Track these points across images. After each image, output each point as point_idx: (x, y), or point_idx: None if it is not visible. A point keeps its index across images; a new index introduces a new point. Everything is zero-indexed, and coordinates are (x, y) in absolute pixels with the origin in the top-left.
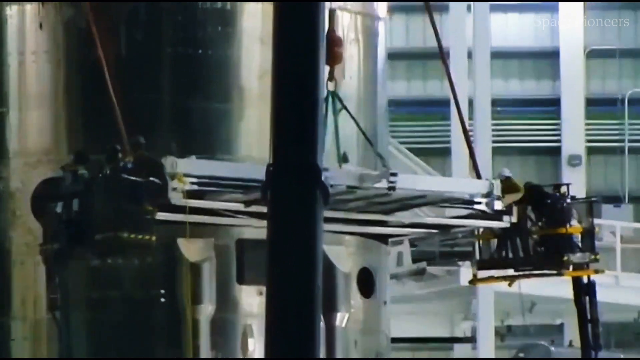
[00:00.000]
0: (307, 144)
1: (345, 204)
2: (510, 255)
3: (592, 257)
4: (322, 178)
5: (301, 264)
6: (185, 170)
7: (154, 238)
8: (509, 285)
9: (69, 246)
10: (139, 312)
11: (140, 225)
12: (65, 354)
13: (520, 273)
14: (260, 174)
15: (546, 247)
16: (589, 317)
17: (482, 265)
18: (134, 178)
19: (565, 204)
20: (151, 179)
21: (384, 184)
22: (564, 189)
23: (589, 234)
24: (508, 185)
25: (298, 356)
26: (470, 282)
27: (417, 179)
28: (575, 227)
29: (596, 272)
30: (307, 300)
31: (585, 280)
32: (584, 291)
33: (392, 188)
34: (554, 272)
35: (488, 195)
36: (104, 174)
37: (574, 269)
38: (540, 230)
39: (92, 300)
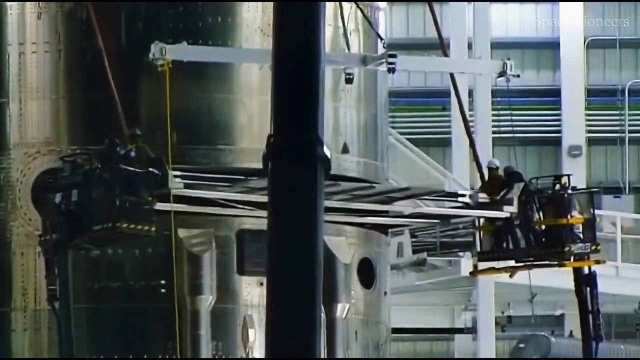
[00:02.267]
0: (308, 116)
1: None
2: (511, 246)
3: (593, 247)
4: (324, 150)
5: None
6: (175, 56)
7: (153, 228)
8: (510, 276)
9: (69, 237)
10: (139, 302)
11: (139, 216)
12: (65, 345)
13: (521, 264)
14: (253, 56)
15: (545, 238)
16: (589, 308)
17: (482, 256)
18: (131, 169)
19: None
20: (151, 170)
21: (383, 67)
22: (564, 179)
23: (589, 225)
24: (492, 177)
25: (299, 347)
26: (471, 273)
27: (418, 59)
28: (577, 217)
29: (597, 262)
30: (307, 290)
31: (586, 271)
32: (584, 282)
33: (392, 70)
34: (555, 263)
35: (501, 75)
36: (103, 164)
37: (574, 260)
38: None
39: (92, 290)
